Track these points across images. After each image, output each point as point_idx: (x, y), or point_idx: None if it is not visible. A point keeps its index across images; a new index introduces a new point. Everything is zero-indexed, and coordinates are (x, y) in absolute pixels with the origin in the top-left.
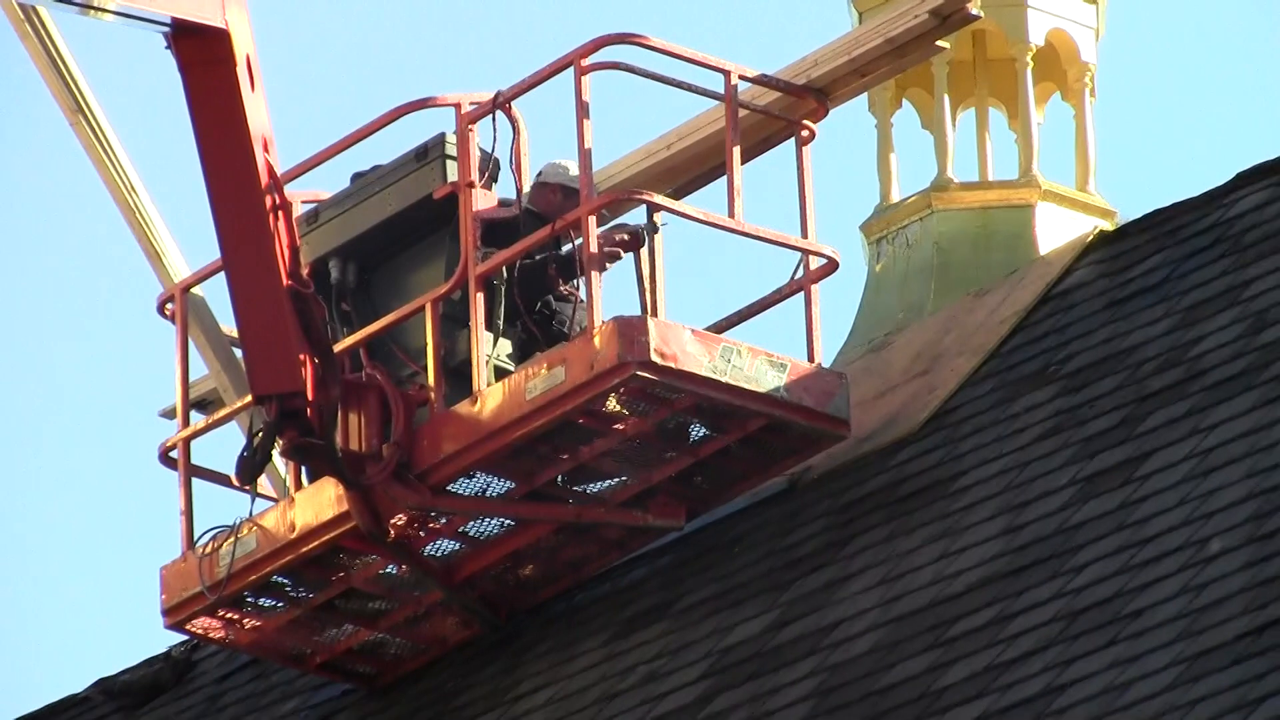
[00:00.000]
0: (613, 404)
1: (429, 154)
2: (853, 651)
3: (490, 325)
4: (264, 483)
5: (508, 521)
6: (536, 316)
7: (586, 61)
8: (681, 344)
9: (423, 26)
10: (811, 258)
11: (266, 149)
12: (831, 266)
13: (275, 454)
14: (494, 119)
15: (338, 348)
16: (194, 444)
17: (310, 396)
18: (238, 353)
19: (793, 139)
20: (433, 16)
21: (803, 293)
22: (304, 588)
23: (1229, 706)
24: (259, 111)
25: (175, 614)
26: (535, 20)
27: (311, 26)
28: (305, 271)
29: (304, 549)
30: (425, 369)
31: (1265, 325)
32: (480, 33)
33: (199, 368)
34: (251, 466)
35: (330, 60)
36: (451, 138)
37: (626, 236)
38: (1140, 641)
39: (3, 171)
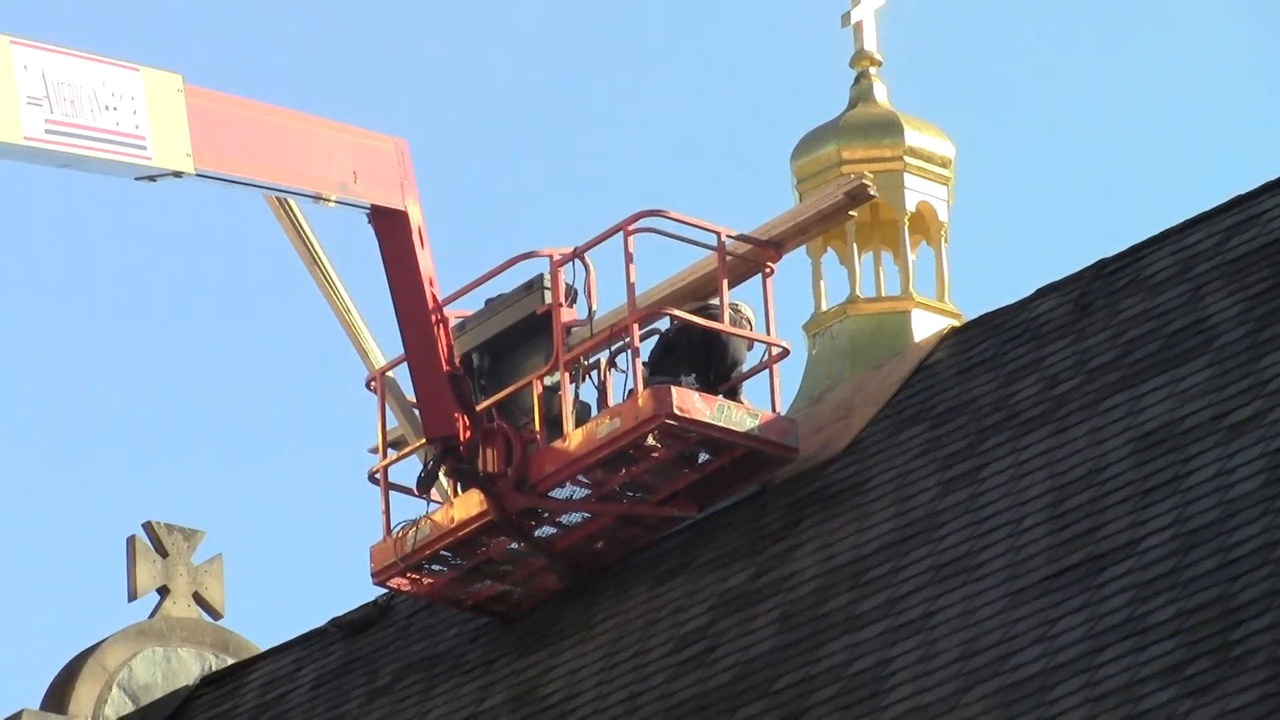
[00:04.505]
0: (650, 440)
1: (533, 286)
2: (802, 592)
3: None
4: (434, 493)
5: (586, 514)
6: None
7: (630, 227)
8: (693, 402)
9: (525, 204)
10: (772, 347)
11: (432, 284)
12: (785, 353)
13: (441, 475)
14: (574, 264)
15: (479, 408)
16: (390, 469)
17: (462, 438)
18: (416, 412)
19: (760, 273)
20: (529, 197)
21: (768, 370)
22: (460, 558)
23: (1038, 623)
24: (427, 261)
25: (379, 575)
26: (593, 198)
27: (451, 212)
28: (457, 360)
29: (460, 534)
30: (533, 420)
31: (1056, 385)
32: (558, 206)
33: (392, 420)
34: (426, 482)
35: (465, 226)
36: (547, 276)
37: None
38: (981, 583)
39: (269, 305)
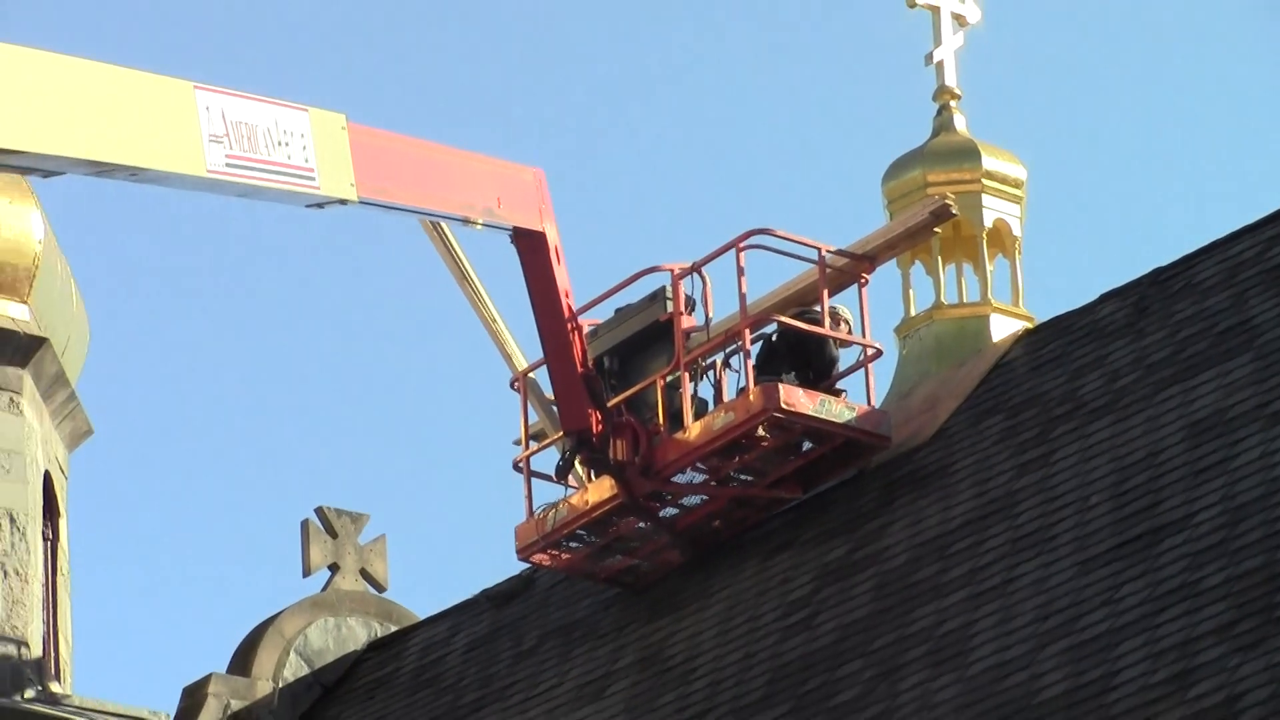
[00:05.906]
0: (760, 431)
1: (657, 296)
2: (895, 564)
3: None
4: (571, 479)
5: (704, 497)
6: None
7: (742, 244)
8: (798, 397)
9: (649, 225)
10: (867, 348)
11: (568, 296)
12: (879, 353)
13: (577, 463)
14: (692, 277)
15: (610, 404)
16: (532, 459)
17: (595, 431)
18: (554, 408)
19: (856, 283)
20: (653, 218)
21: (863, 368)
22: (594, 536)
23: (1105, 588)
24: (563, 275)
25: (523, 552)
26: (709, 219)
27: (584, 232)
28: (590, 363)
29: (594, 514)
30: (658, 414)
31: (1118, 379)
32: (678, 226)
33: (533, 416)
34: (564, 470)
35: (596, 245)
36: (669, 288)
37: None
38: (1054, 554)
39: (425, 316)
